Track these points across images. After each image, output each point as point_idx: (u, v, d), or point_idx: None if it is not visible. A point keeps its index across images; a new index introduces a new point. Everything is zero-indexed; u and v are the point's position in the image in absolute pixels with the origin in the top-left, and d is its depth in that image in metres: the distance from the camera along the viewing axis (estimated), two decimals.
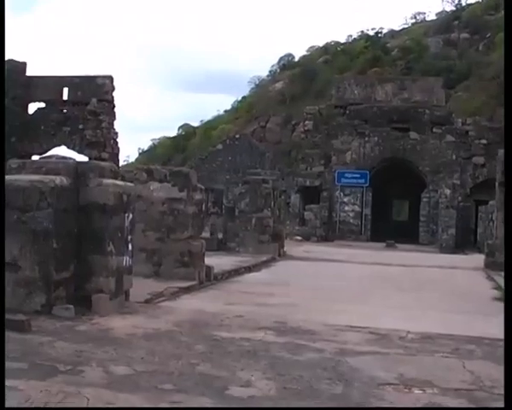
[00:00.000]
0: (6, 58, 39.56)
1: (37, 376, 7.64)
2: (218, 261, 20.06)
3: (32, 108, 41.07)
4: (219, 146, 54.84)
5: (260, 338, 10.53)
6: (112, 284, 11.76)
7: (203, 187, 18.42)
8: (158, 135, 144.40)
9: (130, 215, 12.25)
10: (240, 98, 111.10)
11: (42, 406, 6.58)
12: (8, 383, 6.95)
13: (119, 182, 12.25)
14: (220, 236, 29.24)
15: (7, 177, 11.34)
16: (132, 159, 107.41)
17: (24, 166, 11.86)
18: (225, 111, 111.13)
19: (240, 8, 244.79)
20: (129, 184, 12.83)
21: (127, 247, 12.30)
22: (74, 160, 12.69)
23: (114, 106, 39.91)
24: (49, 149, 38.68)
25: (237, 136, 57.81)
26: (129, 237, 12.31)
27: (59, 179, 11.22)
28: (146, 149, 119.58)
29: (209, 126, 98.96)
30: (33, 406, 6.58)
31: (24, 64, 41.22)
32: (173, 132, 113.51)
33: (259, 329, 11.33)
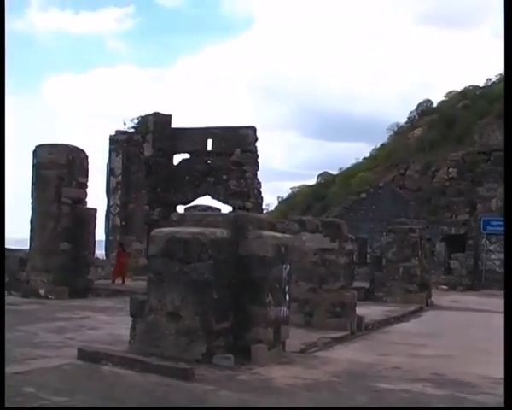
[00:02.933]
0: (152, 111, 40.90)
1: None
2: (366, 311, 19.94)
3: (177, 159, 41.93)
4: (363, 195, 54.56)
5: (419, 390, 10.40)
6: (270, 335, 11.89)
7: (353, 237, 18.42)
8: (297, 183, 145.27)
9: (288, 266, 12.39)
10: (378, 146, 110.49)
11: None
12: None
13: (277, 234, 12.42)
14: (367, 285, 29.04)
15: (169, 229, 11.70)
16: (272, 207, 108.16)
17: (184, 219, 12.22)
18: (364, 159, 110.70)
19: (377, 54, 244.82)
20: (286, 235, 13.00)
21: (285, 298, 12.42)
22: (233, 212, 12.96)
23: (258, 156, 40.41)
24: (194, 199, 39.49)
25: (381, 184, 57.49)
26: (286, 288, 12.44)
27: (219, 232, 11.49)
28: (285, 197, 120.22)
29: (348, 174, 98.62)
30: None
31: (169, 117, 42.28)
32: (312, 181, 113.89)
33: (417, 380, 11.20)
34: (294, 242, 14.33)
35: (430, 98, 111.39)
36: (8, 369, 10.72)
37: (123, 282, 27.48)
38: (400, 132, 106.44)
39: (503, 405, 9.45)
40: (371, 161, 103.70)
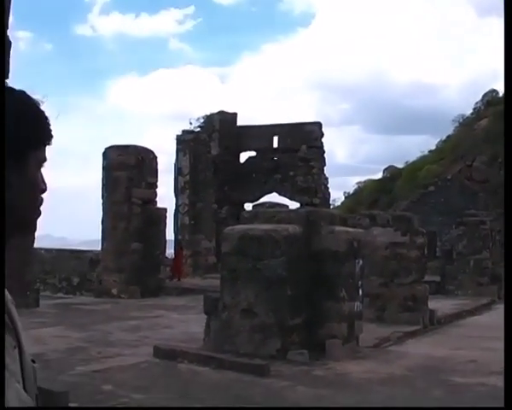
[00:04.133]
0: (217, 110, 41.08)
1: None
2: (438, 305, 19.76)
3: (244, 156, 41.95)
4: (431, 188, 53.83)
5: (494, 383, 10.30)
6: (344, 330, 11.91)
7: (424, 231, 18.28)
8: (363, 178, 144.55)
9: (360, 261, 12.39)
10: (444, 138, 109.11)
11: None
12: None
13: (349, 229, 12.43)
14: (437, 279, 28.73)
15: (241, 226, 11.78)
16: (338, 202, 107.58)
17: (256, 216, 12.27)
18: (430, 151, 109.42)
19: (445, 46, 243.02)
20: (358, 230, 13.00)
21: (358, 292, 12.42)
22: (305, 208, 12.99)
23: (324, 151, 40.21)
24: (261, 197, 39.46)
25: (448, 177, 56.64)
26: (359, 283, 12.43)
27: (291, 228, 11.54)
28: (352, 192, 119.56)
29: (414, 168, 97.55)
30: None
31: (234, 115, 42.36)
32: (378, 175, 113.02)
33: (492, 374, 11.08)
34: (366, 236, 14.32)
35: (496, 88, 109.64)
36: (87, 367, 10.96)
37: (179, 279, 27.55)
38: (466, 124, 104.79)
39: None
40: (437, 154, 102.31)
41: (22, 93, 1.70)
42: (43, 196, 1.68)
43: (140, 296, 22.84)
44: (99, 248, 25.75)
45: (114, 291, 23.27)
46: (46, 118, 1.68)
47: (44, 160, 1.68)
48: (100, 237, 25.30)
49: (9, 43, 8.10)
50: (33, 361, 1.72)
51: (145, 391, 9.61)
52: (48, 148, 1.70)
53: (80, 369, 10.87)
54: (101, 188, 24.61)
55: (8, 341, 1.57)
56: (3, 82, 4.83)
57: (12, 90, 1.70)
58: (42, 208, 1.67)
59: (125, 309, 19.47)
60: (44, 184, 1.68)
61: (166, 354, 11.75)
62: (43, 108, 1.69)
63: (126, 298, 22.51)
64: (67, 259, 25.68)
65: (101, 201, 24.60)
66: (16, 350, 1.61)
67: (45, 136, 1.67)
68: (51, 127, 1.68)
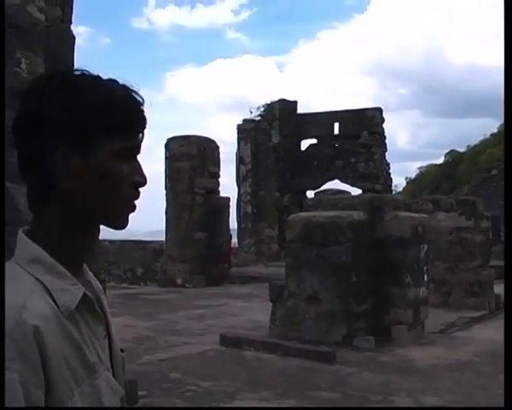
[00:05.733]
0: (277, 98, 41.04)
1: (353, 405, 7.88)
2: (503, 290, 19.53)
3: (305, 144, 41.89)
4: (494, 171, 53.21)
5: None
6: (410, 316, 11.89)
7: (489, 215, 18.08)
8: (424, 163, 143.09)
9: (425, 247, 12.33)
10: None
11: None
12: None
13: (413, 214, 12.39)
14: (501, 263, 28.41)
15: (305, 214, 11.82)
16: (400, 188, 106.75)
17: (320, 203, 12.31)
18: (491, 135, 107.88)
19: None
20: (423, 215, 12.93)
21: (423, 278, 12.37)
22: (369, 194, 12.98)
23: (385, 137, 39.98)
24: (323, 184, 39.37)
25: None
26: (424, 268, 12.38)
27: (356, 214, 11.55)
28: (413, 177, 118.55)
29: (476, 151, 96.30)
30: None
31: (294, 103, 42.29)
32: (440, 159, 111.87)
33: None
34: (430, 221, 14.23)
35: None
36: (154, 356, 11.13)
37: (229, 265, 27.61)
38: None
39: None
40: (499, 137, 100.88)
41: (95, 79, 1.60)
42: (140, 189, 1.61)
43: (204, 285, 23.02)
44: (161, 238, 26.03)
45: (179, 281, 23.48)
46: (123, 105, 1.56)
47: (127, 149, 1.56)
48: (163, 228, 25.56)
49: (73, 38, 8.25)
50: (122, 351, 1.78)
51: (212, 379, 9.72)
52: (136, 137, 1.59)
53: (148, 358, 11.04)
54: (164, 179, 24.84)
55: (100, 331, 1.62)
56: (3, 82, 4.89)
57: (86, 76, 1.60)
58: (131, 203, 1.60)
59: (189, 298, 19.64)
60: (139, 175, 1.59)
61: (232, 342, 11.85)
62: (129, 95, 1.58)
63: (191, 287, 22.70)
64: (131, 249, 25.98)
65: (164, 192, 24.83)
66: (106, 340, 1.66)
67: (119, 123, 1.55)
68: (132, 115, 1.58)
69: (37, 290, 1.48)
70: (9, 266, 1.54)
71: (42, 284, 1.49)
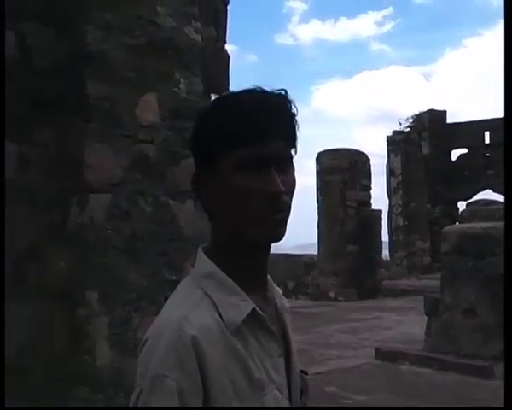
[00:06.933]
0: (426, 108, 40.56)
1: None
2: None
3: (455, 154, 41.19)
4: None
5: None
6: None
7: None
8: None
9: None
10: None
11: None
12: None
13: None
14: None
15: (460, 225, 11.68)
16: None
17: (475, 215, 12.10)
18: None
19: None
20: None
21: None
22: None
23: None
24: (474, 195, 38.45)
25: None
26: None
27: None
28: None
29: None
30: None
31: (443, 112, 41.64)
32: None
33: None
34: None
35: None
36: (310, 370, 11.17)
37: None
38: None
39: None
40: None
41: (226, 96, 1.60)
42: (277, 201, 1.52)
43: (357, 298, 22.97)
44: (310, 251, 26.13)
45: (331, 294, 23.52)
46: (250, 117, 1.49)
47: (249, 159, 1.49)
48: (313, 241, 25.67)
49: (228, 56, 8.54)
50: (305, 373, 1.78)
51: (368, 392, 9.72)
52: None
53: None
54: (315, 192, 24.98)
55: (273, 349, 1.60)
56: (3, 81, 4.97)
57: (230, 94, 1.60)
58: (266, 214, 1.52)
59: (343, 312, 19.64)
60: (271, 185, 1.50)
61: (387, 356, 11.81)
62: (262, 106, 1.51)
63: (343, 301, 22.69)
64: (282, 263, 26.23)
65: (315, 205, 24.96)
66: (282, 359, 1.64)
67: (241, 136, 1.49)
68: (252, 122, 1.49)
69: (202, 305, 1.51)
70: (184, 280, 1.61)
71: (210, 298, 1.52)
